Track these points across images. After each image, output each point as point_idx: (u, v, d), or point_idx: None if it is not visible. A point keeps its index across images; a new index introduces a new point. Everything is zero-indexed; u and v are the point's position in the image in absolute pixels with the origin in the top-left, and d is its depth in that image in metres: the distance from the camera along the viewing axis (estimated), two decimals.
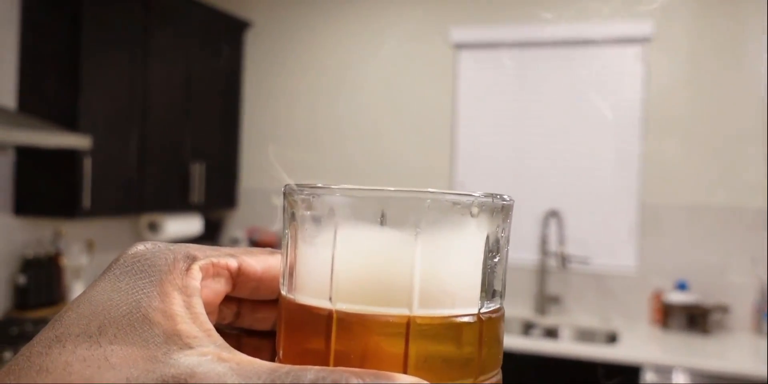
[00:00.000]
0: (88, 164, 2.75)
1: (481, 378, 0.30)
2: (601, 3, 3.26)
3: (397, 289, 0.28)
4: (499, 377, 0.32)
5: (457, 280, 0.29)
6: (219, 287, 0.30)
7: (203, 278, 0.29)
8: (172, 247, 0.29)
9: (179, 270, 0.28)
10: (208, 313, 0.30)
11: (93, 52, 2.79)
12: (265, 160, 3.66)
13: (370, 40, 3.57)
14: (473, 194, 0.29)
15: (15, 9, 2.77)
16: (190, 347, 0.25)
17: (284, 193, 0.31)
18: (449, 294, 0.29)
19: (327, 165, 3.61)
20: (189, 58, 3.37)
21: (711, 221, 3.09)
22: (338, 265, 0.28)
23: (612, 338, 2.99)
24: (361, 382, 0.23)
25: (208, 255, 0.30)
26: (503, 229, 0.31)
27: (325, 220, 0.29)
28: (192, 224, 3.53)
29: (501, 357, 0.32)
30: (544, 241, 3.24)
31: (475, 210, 0.29)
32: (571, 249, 3.19)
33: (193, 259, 0.29)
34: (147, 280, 0.27)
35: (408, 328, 0.27)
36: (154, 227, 3.38)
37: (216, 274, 0.30)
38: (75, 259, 3.08)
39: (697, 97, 3.14)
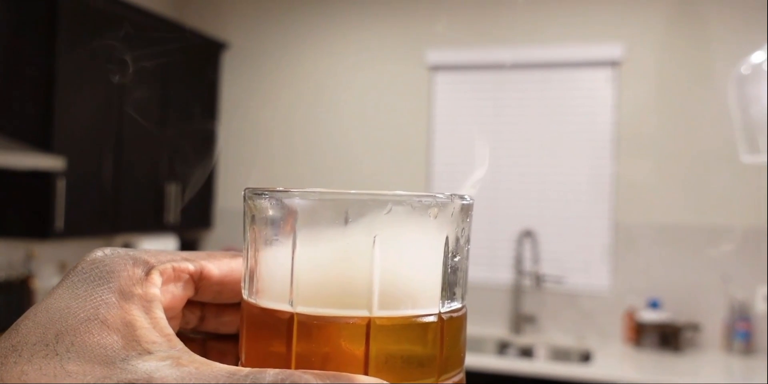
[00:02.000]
0: (61, 185, 2.74)
1: (443, 377, 0.30)
2: (572, 27, 3.33)
3: (356, 291, 0.28)
4: (461, 376, 0.31)
5: (417, 280, 0.29)
6: (180, 292, 0.30)
7: (164, 283, 0.29)
8: (131, 253, 0.29)
9: (138, 276, 0.28)
10: (171, 318, 0.30)
11: (68, 72, 2.79)
12: (241, 180, 3.66)
13: (346, 62, 3.61)
14: (434, 195, 0.30)
15: None
16: (149, 353, 0.25)
17: (244, 197, 0.31)
18: (409, 294, 0.29)
19: (303, 185, 3.61)
20: (165, 78, 3.37)
21: (682, 240, 3.15)
22: (298, 268, 0.29)
23: (586, 357, 3.01)
24: (320, 382, 0.23)
25: (168, 259, 0.30)
26: (463, 228, 0.31)
27: (284, 223, 0.29)
28: (167, 245, 3.51)
29: (464, 356, 0.32)
30: (518, 261, 3.27)
31: (434, 211, 0.29)
32: (545, 268, 3.22)
33: (153, 265, 0.29)
34: (105, 286, 0.27)
35: (368, 329, 0.28)
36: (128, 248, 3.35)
37: (177, 279, 0.30)
38: (47, 281, 3.04)
39: (668, 118, 3.21)
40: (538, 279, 3.18)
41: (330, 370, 0.26)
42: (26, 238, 2.81)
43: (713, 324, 3.06)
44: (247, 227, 0.31)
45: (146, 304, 0.27)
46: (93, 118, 2.97)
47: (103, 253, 0.29)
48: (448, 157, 3.47)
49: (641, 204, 3.21)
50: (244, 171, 3.66)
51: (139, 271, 0.28)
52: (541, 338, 3.22)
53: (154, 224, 3.35)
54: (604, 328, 3.20)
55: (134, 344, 0.25)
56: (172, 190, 3.41)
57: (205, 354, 0.27)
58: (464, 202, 0.31)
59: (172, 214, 3.41)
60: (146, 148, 3.28)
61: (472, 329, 3.27)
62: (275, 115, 3.73)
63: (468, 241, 0.32)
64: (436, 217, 0.30)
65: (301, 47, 3.70)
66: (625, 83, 3.25)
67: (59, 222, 2.74)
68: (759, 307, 2.99)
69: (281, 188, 0.30)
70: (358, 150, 3.56)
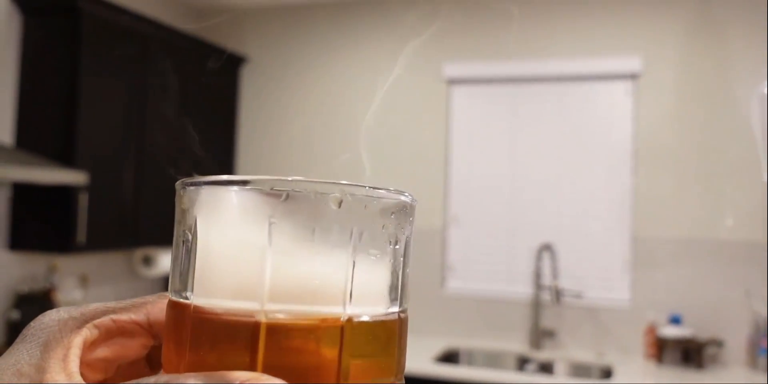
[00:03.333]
0: (83, 199, 2.77)
1: (399, 376, 0.30)
2: (590, 39, 3.32)
3: (331, 289, 0.28)
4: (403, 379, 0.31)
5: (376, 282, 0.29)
6: (131, 343, 0.34)
7: (107, 335, 0.33)
8: (73, 312, 0.33)
9: (68, 329, 0.32)
10: (131, 364, 0.34)
11: (90, 88, 2.83)
12: None
13: (363, 76, 3.62)
14: (388, 190, 0.29)
15: (14, 44, 2.82)
16: None
17: (177, 190, 0.31)
18: (370, 294, 0.29)
19: None
20: (186, 92, 3.41)
21: (703, 254, 3.11)
22: (263, 265, 0.28)
23: (607, 373, 2.97)
24: (198, 382, 0.25)
25: (107, 310, 0.33)
26: (405, 228, 0.31)
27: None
28: None
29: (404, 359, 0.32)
30: (537, 275, 3.25)
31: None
32: (564, 283, 3.19)
33: (89, 319, 0.32)
34: (35, 342, 0.31)
35: (342, 329, 0.28)
36: (148, 261, 3.38)
37: (121, 331, 0.33)
38: (69, 294, 3.07)
39: (687, 132, 3.18)
40: (558, 293, 3.15)
41: (290, 370, 0.27)
42: (49, 251, 2.85)
43: (737, 340, 3.01)
44: (182, 224, 0.31)
45: (66, 351, 0.31)
46: (115, 133, 3.01)
47: (43, 318, 0.33)
48: (465, 169, 3.46)
49: (661, 218, 3.18)
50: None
51: (70, 325, 0.32)
52: (561, 353, 3.19)
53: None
54: (625, 343, 3.17)
55: None
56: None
57: None
58: (410, 202, 0.31)
59: None
60: (166, 161, 3.31)
61: (492, 344, 3.25)
62: (294, 127, 3.75)
63: (411, 241, 0.31)
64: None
65: (318, 61, 3.72)
66: (644, 96, 3.23)
67: (81, 236, 2.77)
68: None
69: (212, 178, 0.29)
70: (377, 163, 3.57)
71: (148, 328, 0.34)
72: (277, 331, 0.27)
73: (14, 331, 2.80)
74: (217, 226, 0.28)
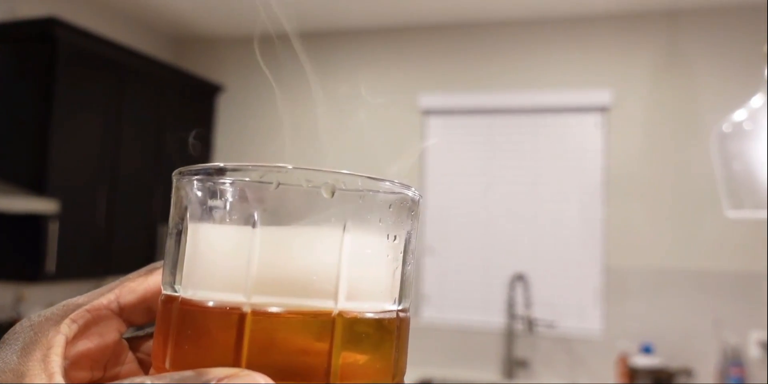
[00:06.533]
0: (54, 228, 2.74)
1: (396, 379, 0.28)
2: (562, 73, 3.40)
3: (322, 282, 0.27)
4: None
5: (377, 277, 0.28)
6: (106, 329, 0.32)
7: (85, 327, 0.31)
8: (46, 312, 0.32)
9: (44, 330, 0.30)
10: (112, 354, 0.32)
11: (64, 115, 2.82)
12: None
13: (338, 106, 3.65)
14: (390, 182, 0.28)
15: None
16: None
17: (173, 180, 0.30)
18: (372, 289, 0.28)
19: None
20: (160, 121, 3.41)
21: (673, 284, 3.15)
22: (250, 255, 0.27)
23: None
24: (159, 383, 0.24)
25: (82, 303, 0.32)
26: (405, 223, 0.30)
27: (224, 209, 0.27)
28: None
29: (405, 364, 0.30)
30: (510, 305, 3.26)
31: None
32: (537, 312, 3.21)
33: (64, 315, 0.31)
34: (11, 349, 0.30)
35: (334, 323, 0.26)
36: None
37: (96, 319, 0.32)
38: None
39: (657, 163, 3.25)
40: (530, 323, 3.17)
41: (284, 362, 0.26)
42: (17, 280, 2.80)
43: (706, 369, 3.05)
44: (182, 214, 0.30)
45: (46, 351, 0.29)
46: (87, 162, 2.99)
47: (22, 322, 0.32)
48: (440, 200, 3.49)
49: (632, 248, 3.23)
50: None
51: (46, 327, 0.31)
52: (533, 383, 3.19)
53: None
54: (597, 372, 3.18)
55: None
56: (166, 232, 3.41)
57: None
58: (416, 197, 0.29)
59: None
60: (140, 190, 3.30)
61: (466, 374, 3.24)
62: (269, 157, 3.75)
63: (396, 237, 0.29)
64: (390, 210, 0.28)
65: (294, 91, 3.74)
66: (615, 129, 3.30)
67: (50, 265, 2.73)
68: (752, 352, 2.98)
69: (222, 164, 0.28)
70: None
71: (119, 312, 0.33)
72: (263, 325, 0.25)
73: None
74: (206, 215, 0.27)
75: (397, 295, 0.28)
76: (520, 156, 3.40)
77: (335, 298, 0.26)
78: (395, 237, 0.29)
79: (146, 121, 3.33)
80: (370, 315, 0.27)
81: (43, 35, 2.76)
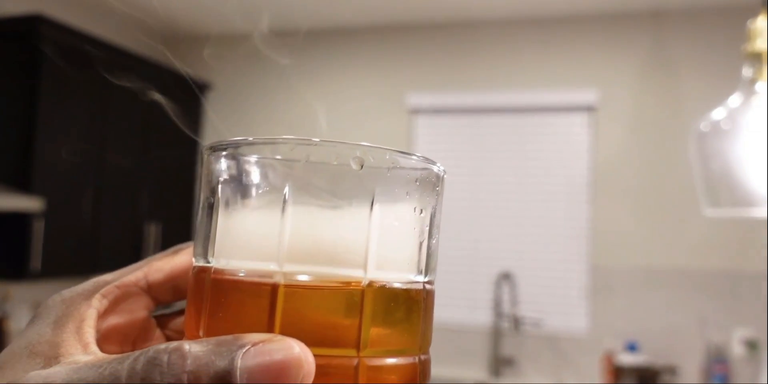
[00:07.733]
0: (39, 226, 2.73)
1: (422, 351, 0.29)
2: (549, 72, 3.42)
3: (352, 252, 0.27)
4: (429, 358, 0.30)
5: (399, 250, 0.29)
6: (135, 305, 0.33)
7: (115, 302, 0.32)
8: (77, 288, 0.32)
9: (76, 304, 0.31)
10: (141, 330, 0.33)
11: (49, 113, 2.80)
12: None
13: (326, 106, 3.65)
14: (416, 156, 0.29)
15: None
16: (58, 363, 0.28)
17: (203, 154, 0.31)
18: (397, 259, 0.28)
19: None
20: (146, 119, 3.40)
21: (658, 283, 3.17)
22: (282, 228, 0.27)
23: None
24: (202, 349, 0.24)
25: (111, 280, 0.33)
26: (431, 197, 0.30)
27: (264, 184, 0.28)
28: None
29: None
30: (497, 303, 3.28)
31: (416, 182, 0.28)
32: (523, 311, 3.23)
33: (95, 290, 0.32)
34: (44, 322, 0.30)
35: (363, 293, 0.27)
36: None
37: (126, 296, 0.33)
38: (21, 322, 3.00)
39: (643, 162, 3.27)
40: (517, 321, 3.18)
41: (313, 333, 0.26)
42: (2, 279, 2.78)
43: (691, 367, 3.07)
44: (208, 189, 0.30)
45: (79, 323, 0.30)
46: (73, 160, 2.98)
47: (53, 297, 0.32)
48: None
49: (618, 247, 3.25)
50: None
51: (78, 300, 0.31)
52: (519, 381, 3.21)
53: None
54: (583, 371, 3.20)
55: (52, 361, 0.28)
56: (152, 230, 3.40)
57: None
58: (441, 172, 0.30)
59: (152, 254, 3.39)
60: (126, 188, 3.29)
61: (452, 372, 3.25)
62: None
63: (422, 210, 0.30)
64: (418, 185, 0.29)
65: (282, 90, 3.75)
66: (601, 128, 3.32)
67: (36, 263, 2.72)
68: (735, 350, 3.01)
69: (252, 138, 0.29)
70: None
71: (147, 290, 0.34)
72: (295, 292, 0.26)
73: None
74: (238, 189, 0.28)
75: (423, 267, 0.29)
76: (507, 155, 3.41)
77: (365, 267, 0.27)
78: (422, 210, 0.30)
79: (132, 118, 3.32)
80: (398, 285, 0.28)
81: (28, 33, 2.75)
